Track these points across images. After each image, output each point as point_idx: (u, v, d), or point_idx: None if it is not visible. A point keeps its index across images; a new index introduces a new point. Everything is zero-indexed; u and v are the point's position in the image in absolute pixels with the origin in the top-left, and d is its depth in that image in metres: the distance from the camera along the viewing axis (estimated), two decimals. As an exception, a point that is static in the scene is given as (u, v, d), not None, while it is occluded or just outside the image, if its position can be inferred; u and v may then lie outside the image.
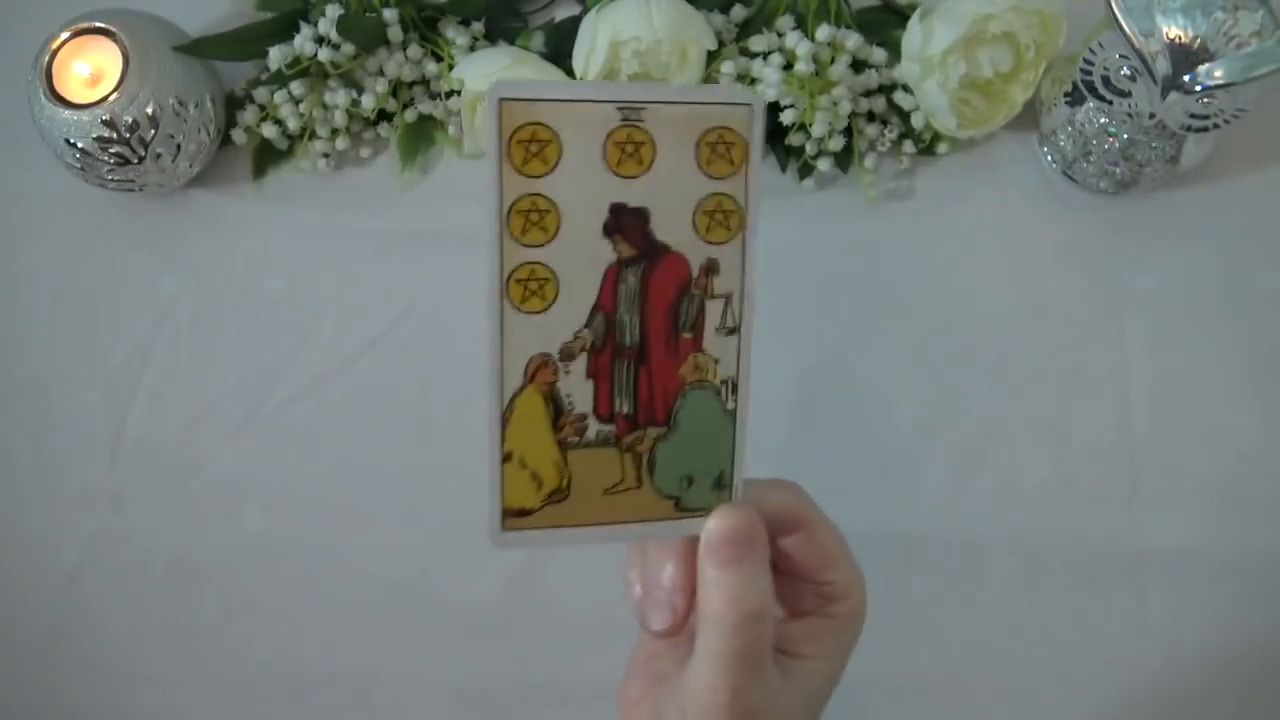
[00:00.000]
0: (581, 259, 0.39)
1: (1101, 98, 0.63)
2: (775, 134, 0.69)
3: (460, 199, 0.71)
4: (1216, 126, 0.62)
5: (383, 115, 0.73)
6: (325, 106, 0.71)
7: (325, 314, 0.71)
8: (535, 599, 0.67)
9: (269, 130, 0.71)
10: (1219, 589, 0.65)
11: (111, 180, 0.69)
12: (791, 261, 0.70)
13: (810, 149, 0.69)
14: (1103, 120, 0.66)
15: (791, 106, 0.68)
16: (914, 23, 0.66)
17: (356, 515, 0.69)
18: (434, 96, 0.72)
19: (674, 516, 0.42)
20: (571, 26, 0.69)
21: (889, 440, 0.69)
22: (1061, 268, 0.70)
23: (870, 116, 0.70)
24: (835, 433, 0.69)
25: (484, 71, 0.66)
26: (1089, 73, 0.63)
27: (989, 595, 0.66)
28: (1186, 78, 0.59)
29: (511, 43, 0.72)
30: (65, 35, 0.67)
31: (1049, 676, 0.65)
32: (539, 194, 0.38)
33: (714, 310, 0.41)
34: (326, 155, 0.73)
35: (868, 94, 0.70)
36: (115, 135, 0.66)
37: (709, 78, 0.69)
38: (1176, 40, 0.59)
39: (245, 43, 0.71)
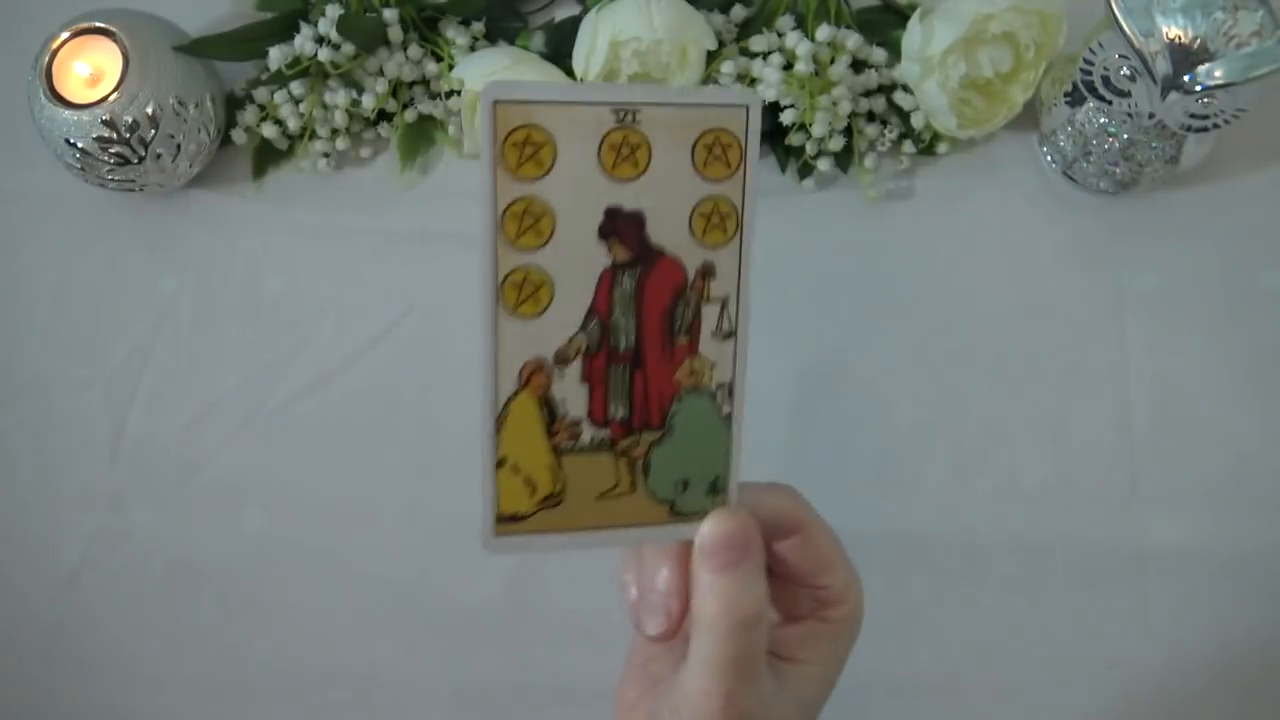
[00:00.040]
0: (576, 263, 0.39)
1: (1101, 98, 0.63)
2: (775, 134, 0.69)
3: (460, 199, 0.71)
4: (1216, 126, 0.61)
5: (383, 115, 0.73)
6: (325, 106, 0.71)
7: (325, 314, 0.71)
8: (535, 599, 0.67)
9: (269, 130, 0.71)
10: (1219, 589, 0.65)
11: (111, 180, 0.69)
12: (791, 261, 0.70)
13: (810, 149, 0.69)
14: (1103, 120, 0.66)
15: (791, 106, 0.67)
16: (914, 23, 0.66)
17: (356, 515, 0.69)
18: (434, 96, 0.72)
19: (668, 521, 0.42)
20: (571, 26, 0.69)
21: (889, 440, 0.68)
22: (1061, 268, 0.70)
23: (870, 116, 0.70)
24: (835, 433, 0.69)
25: (484, 71, 0.66)
26: (1089, 73, 0.63)
27: (989, 595, 0.66)
28: (1186, 78, 0.58)
29: (511, 43, 0.72)
30: (65, 35, 0.67)
31: (1049, 676, 0.65)
32: (533, 197, 0.38)
33: (710, 314, 0.41)
34: (326, 155, 0.73)
35: (868, 94, 0.70)
36: (115, 135, 0.66)
37: (709, 78, 0.69)
38: (1176, 40, 0.58)
39: (245, 43, 0.71)
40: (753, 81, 0.68)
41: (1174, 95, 0.59)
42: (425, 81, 0.72)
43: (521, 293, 0.39)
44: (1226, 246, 0.69)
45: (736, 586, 0.40)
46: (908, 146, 0.70)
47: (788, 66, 0.68)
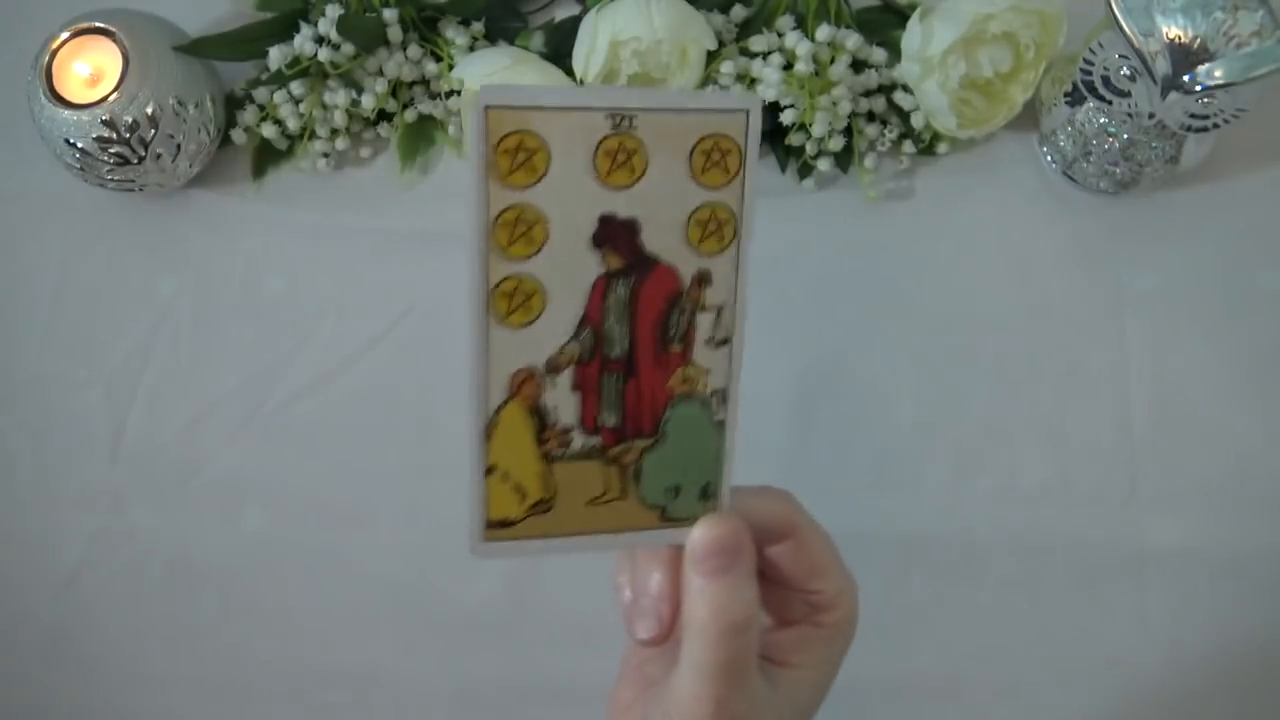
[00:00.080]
0: (569, 271, 0.38)
1: (1101, 98, 0.63)
2: (775, 134, 0.69)
3: (460, 199, 0.71)
4: (1216, 126, 0.61)
5: (383, 115, 0.73)
6: (325, 106, 0.71)
7: (325, 314, 0.71)
8: (534, 599, 0.67)
9: (269, 130, 0.71)
10: (1219, 589, 0.65)
11: (111, 180, 0.69)
12: (791, 261, 0.70)
13: (810, 149, 0.69)
14: (1103, 120, 0.65)
15: (791, 106, 0.67)
16: (914, 23, 0.66)
17: (356, 515, 0.69)
18: (434, 96, 0.72)
19: (659, 526, 0.41)
20: (571, 26, 0.69)
21: (889, 440, 0.68)
22: (1061, 268, 0.70)
23: (870, 116, 0.70)
24: (835, 433, 0.69)
25: (484, 71, 0.66)
26: (1089, 73, 0.63)
27: (989, 595, 0.66)
28: (1186, 78, 0.58)
29: (511, 43, 0.71)
30: (65, 35, 0.67)
31: (1049, 676, 0.65)
32: (525, 205, 0.37)
33: (705, 322, 0.40)
34: (326, 155, 0.73)
35: (868, 94, 0.70)
36: (115, 135, 0.66)
37: (709, 78, 0.68)
38: (1176, 40, 0.58)
39: (245, 43, 0.71)
40: (752, 82, 0.68)
41: (1174, 95, 0.59)
42: (425, 81, 0.72)
43: (512, 302, 0.38)
44: (1226, 246, 0.69)
45: (727, 591, 0.40)
46: (908, 146, 0.70)
47: (788, 66, 0.67)
